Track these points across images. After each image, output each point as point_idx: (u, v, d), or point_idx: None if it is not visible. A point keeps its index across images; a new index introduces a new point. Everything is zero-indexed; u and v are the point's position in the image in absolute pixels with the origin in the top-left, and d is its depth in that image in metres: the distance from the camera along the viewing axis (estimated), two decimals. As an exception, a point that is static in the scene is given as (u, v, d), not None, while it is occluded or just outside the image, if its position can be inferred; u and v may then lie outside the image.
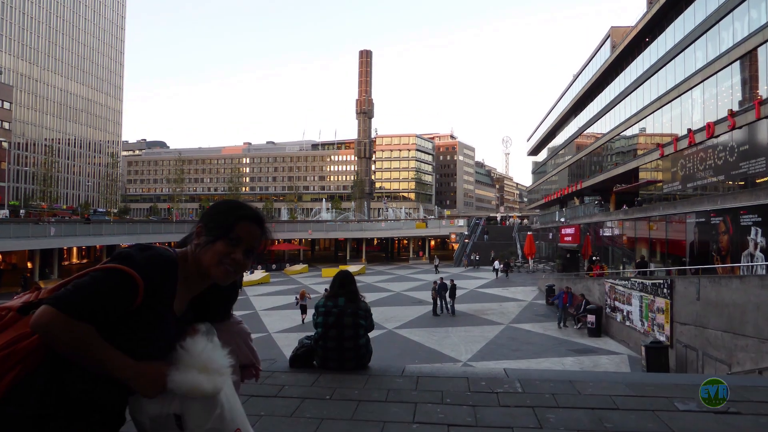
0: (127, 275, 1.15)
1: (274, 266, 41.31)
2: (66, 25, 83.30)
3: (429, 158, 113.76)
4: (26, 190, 72.51)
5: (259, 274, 33.01)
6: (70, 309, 1.10)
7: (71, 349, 1.11)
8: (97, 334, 1.13)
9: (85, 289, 1.13)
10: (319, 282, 30.55)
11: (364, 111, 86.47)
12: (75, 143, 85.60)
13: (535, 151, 63.87)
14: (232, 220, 1.31)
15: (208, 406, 1.24)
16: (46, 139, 78.33)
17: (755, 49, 16.00)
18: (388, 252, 58.45)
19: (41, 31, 78.38)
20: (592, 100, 36.70)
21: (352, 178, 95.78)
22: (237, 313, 1.80)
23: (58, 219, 45.52)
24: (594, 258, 23.02)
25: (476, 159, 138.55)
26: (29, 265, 34.05)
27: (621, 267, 23.59)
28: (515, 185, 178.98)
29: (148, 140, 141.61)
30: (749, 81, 16.82)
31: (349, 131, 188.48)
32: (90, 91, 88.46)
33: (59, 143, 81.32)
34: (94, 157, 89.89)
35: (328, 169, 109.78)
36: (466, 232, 48.20)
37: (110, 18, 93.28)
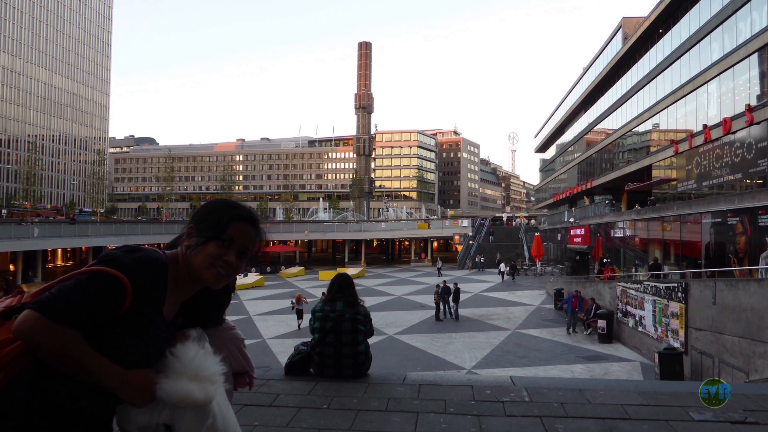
0: (114, 278, 1.13)
1: (268, 269, 40.74)
2: (50, 16, 79.31)
3: (431, 155, 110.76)
4: (8, 189, 71.20)
5: (253, 277, 32.74)
6: (55, 314, 1.07)
7: (56, 356, 1.08)
8: (82, 340, 1.10)
9: (70, 293, 1.11)
10: (316, 285, 30.29)
11: (364, 106, 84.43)
12: (60, 140, 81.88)
13: (542, 148, 62.83)
14: (224, 220, 1.28)
15: (199, 416, 1.22)
16: (29, 136, 75.19)
17: (774, 40, 15.71)
18: (388, 254, 57.36)
19: (24, 21, 74.71)
20: (602, 94, 36.12)
21: (351, 176, 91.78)
22: (230, 318, 1.78)
23: (42, 219, 45.00)
24: (605, 260, 22.72)
25: (481, 156, 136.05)
26: (11, 267, 33.41)
27: (633, 270, 23.27)
28: (522, 184, 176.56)
29: (136, 137, 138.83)
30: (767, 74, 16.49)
31: (348, 127, 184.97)
32: (75, 85, 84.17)
33: (43, 140, 78.02)
34: (80, 154, 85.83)
35: (326, 167, 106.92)
36: (471, 233, 47.65)
37: (97, 8, 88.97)
